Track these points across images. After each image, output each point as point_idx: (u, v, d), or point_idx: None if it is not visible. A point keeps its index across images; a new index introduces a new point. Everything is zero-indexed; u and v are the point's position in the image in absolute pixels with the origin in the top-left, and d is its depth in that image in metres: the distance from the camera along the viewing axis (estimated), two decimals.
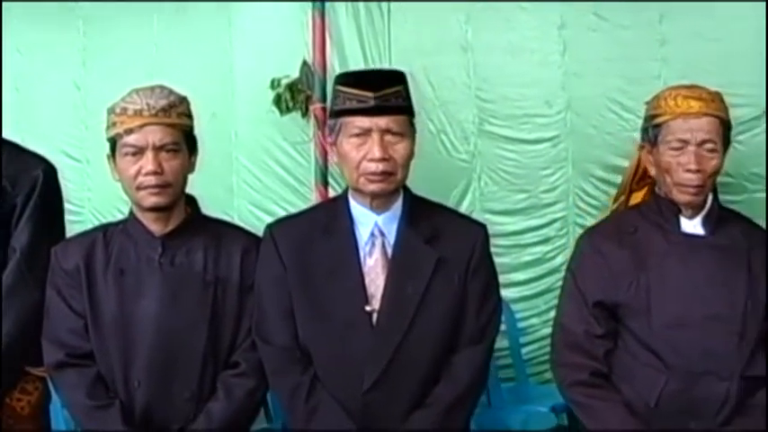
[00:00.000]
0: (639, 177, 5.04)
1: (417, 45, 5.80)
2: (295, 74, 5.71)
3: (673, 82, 3.45)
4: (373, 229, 2.91)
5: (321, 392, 2.86)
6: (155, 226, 3.00)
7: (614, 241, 2.97)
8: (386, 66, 5.50)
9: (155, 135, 2.91)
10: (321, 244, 2.92)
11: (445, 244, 2.92)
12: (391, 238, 2.91)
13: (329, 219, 2.96)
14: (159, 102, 2.92)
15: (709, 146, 2.86)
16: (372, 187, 2.85)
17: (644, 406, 2.89)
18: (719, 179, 5.34)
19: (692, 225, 2.95)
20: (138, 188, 2.93)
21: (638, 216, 3.02)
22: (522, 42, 5.70)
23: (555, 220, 5.70)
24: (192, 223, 3.05)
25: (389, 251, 2.90)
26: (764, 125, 5.37)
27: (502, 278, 5.54)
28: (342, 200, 3.00)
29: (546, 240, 5.72)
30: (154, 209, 2.96)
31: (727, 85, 5.36)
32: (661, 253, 2.91)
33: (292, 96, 5.67)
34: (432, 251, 2.89)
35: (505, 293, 5.64)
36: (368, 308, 2.85)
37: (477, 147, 5.82)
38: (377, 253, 2.90)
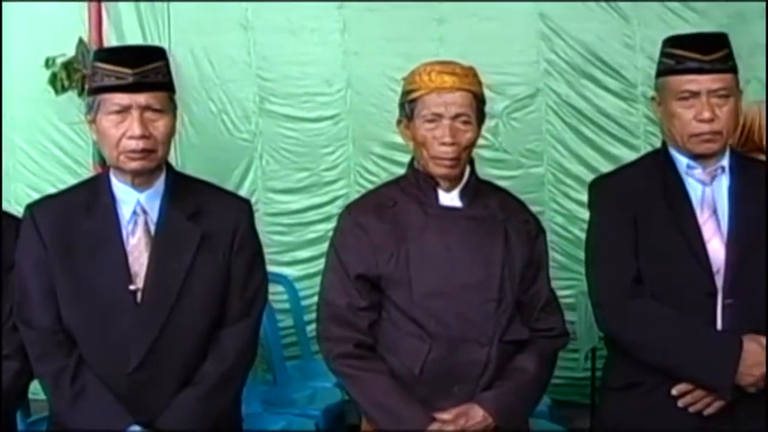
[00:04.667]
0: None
1: (197, 23, 5.76)
2: (71, 52, 5.59)
3: None
4: (135, 206, 2.87)
5: (87, 374, 2.82)
6: None
7: (374, 215, 3.00)
8: (165, 44, 5.44)
9: None
10: (82, 223, 2.87)
11: (209, 220, 2.91)
12: (154, 215, 2.88)
13: (90, 197, 2.91)
14: None
15: (463, 119, 2.92)
16: (133, 165, 2.81)
17: (409, 374, 2.93)
18: (495, 155, 5.55)
19: (450, 198, 3.01)
20: None
21: (397, 190, 3.06)
22: (302, 21, 5.74)
23: (337, 198, 5.76)
24: None
25: (152, 229, 2.87)
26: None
27: (286, 256, 5.70)
28: (103, 178, 2.95)
29: (328, 218, 5.75)
30: None
31: (504, 65, 5.59)
32: (420, 225, 2.96)
33: (68, 75, 5.55)
34: (195, 228, 2.88)
35: (289, 272, 5.73)
36: (132, 287, 2.82)
37: (258, 126, 5.82)
38: (140, 231, 2.87)
